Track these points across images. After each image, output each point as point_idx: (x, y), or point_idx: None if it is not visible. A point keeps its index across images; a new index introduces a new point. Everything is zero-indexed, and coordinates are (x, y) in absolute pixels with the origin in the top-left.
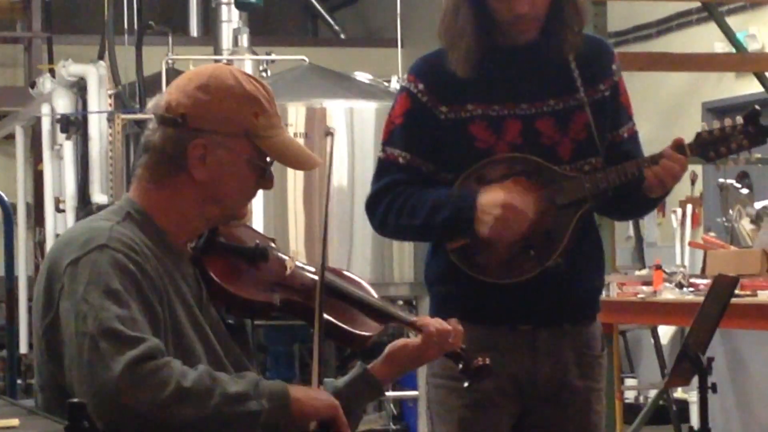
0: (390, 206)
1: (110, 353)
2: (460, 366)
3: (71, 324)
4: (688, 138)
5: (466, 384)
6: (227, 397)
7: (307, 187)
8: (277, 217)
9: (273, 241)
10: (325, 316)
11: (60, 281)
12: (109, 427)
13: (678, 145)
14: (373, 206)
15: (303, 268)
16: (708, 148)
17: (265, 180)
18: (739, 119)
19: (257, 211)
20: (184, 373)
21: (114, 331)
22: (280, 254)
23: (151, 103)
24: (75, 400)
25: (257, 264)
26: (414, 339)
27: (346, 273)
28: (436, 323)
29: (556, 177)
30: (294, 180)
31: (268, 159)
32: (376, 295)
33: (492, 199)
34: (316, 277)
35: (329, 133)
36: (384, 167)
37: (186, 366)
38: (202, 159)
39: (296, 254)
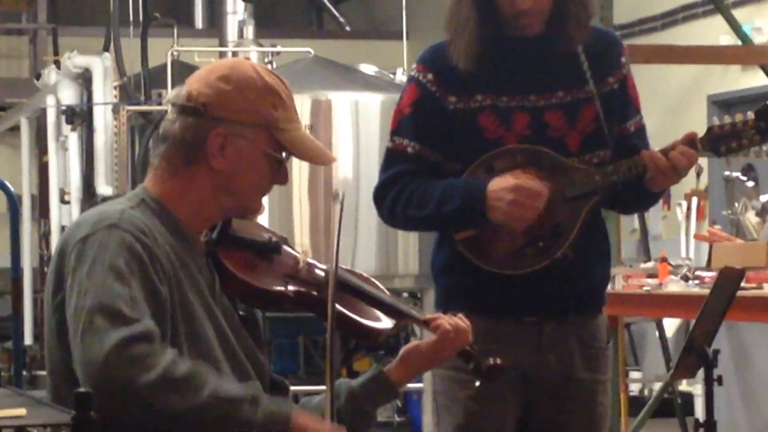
0: (398, 197)
1: (103, 328)
2: (472, 365)
3: (73, 299)
4: (696, 131)
5: (477, 383)
6: (218, 397)
7: (312, 182)
8: (282, 211)
9: (285, 239)
10: (340, 308)
11: (68, 259)
12: (102, 407)
13: (690, 140)
14: (381, 197)
15: (315, 265)
16: (719, 143)
17: (280, 174)
18: (751, 115)
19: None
20: (177, 362)
21: (110, 308)
22: (292, 250)
23: (170, 94)
24: (81, 389)
25: (270, 257)
26: (427, 339)
27: (358, 272)
28: (451, 321)
29: (566, 169)
30: (299, 174)
31: (283, 153)
32: (388, 294)
33: (502, 184)
34: (328, 273)
35: (338, 196)
36: (392, 157)
37: (184, 357)
38: (221, 149)
39: (308, 252)
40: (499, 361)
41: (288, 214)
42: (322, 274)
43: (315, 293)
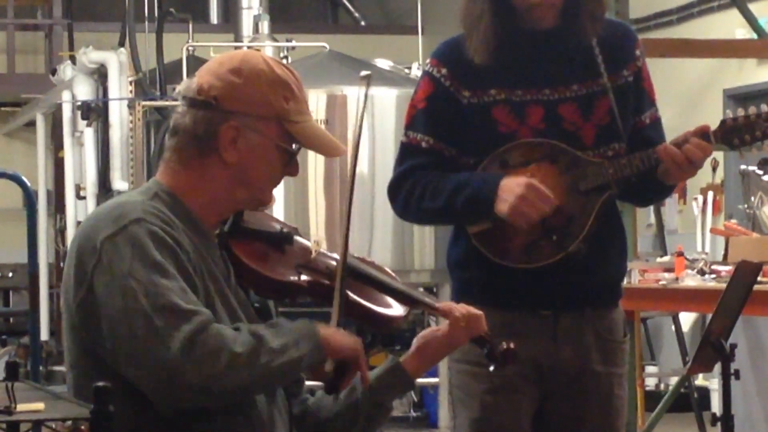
0: (412, 190)
1: (167, 330)
2: (485, 350)
3: (117, 300)
4: (712, 125)
5: (491, 368)
6: (273, 352)
7: (328, 174)
8: (298, 203)
9: (296, 229)
10: (353, 296)
11: (94, 256)
12: (167, 403)
13: (703, 132)
14: (395, 190)
15: (327, 255)
16: (733, 135)
17: (291, 166)
18: (764, 107)
19: (278, 198)
20: (234, 338)
21: (168, 306)
22: (303, 240)
23: (180, 87)
24: (100, 384)
25: (283, 247)
26: (440, 327)
27: (369, 260)
28: (462, 308)
29: (579, 162)
30: (315, 167)
31: (294, 146)
32: (400, 281)
33: (515, 180)
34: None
35: (366, 76)
36: (406, 151)
37: (229, 330)
38: (233, 142)
39: (320, 241)
40: (512, 345)
41: (303, 206)
42: (334, 263)
43: (328, 283)
